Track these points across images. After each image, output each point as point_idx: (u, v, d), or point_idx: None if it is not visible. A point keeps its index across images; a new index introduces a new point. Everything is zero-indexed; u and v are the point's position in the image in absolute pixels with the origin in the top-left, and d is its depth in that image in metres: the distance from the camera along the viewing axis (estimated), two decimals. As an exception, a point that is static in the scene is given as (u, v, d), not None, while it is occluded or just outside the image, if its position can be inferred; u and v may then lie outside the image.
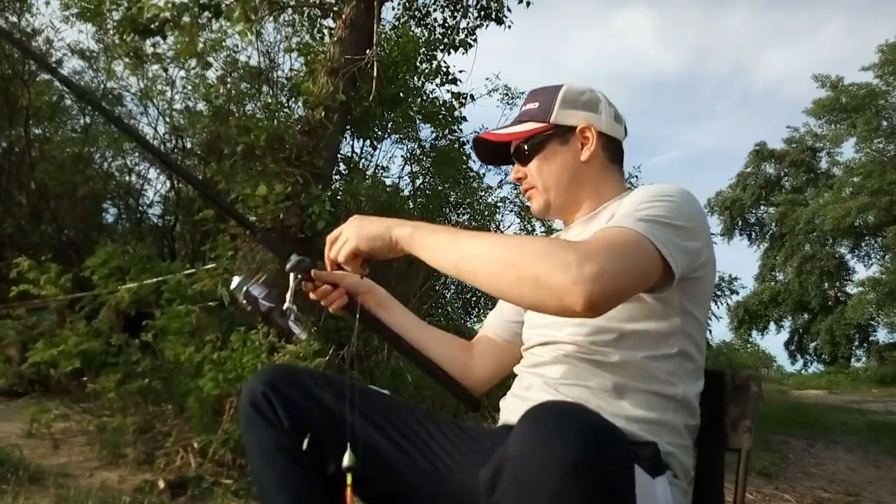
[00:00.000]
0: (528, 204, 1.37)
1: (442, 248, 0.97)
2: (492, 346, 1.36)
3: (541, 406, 0.73)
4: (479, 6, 6.54)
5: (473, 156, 1.46)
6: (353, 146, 6.76)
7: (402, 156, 7.21)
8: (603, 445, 0.68)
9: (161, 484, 2.72)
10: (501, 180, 7.75)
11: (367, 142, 6.68)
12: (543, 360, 1.12)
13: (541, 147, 1.22)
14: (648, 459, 0.92)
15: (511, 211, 7.68)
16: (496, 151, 1.30)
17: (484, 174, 7.38)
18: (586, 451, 0.66)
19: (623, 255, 0.89)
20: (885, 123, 22.11)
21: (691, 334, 1.06)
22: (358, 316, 1.21)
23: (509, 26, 6.53)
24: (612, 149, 1.24)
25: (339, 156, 5.79)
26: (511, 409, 1.15)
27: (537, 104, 1.24)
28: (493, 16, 6.50)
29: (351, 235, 1.05)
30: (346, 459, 0.96)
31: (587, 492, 0.65)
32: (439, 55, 6.61)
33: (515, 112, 1.33)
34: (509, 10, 6.47)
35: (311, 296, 1.25)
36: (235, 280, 1.21)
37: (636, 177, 8.24)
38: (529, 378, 1.14)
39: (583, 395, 1.03)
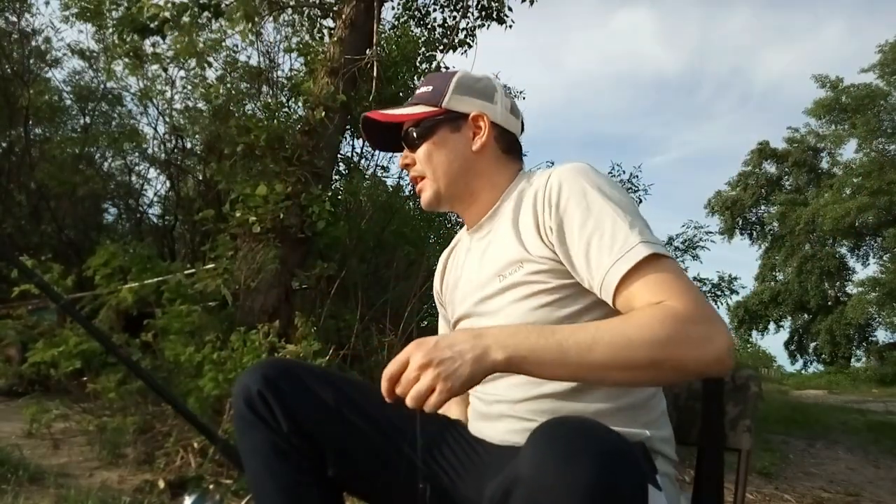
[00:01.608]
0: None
1: (552, 365, 0.83)
2: None
3: (553, 424, 0.71)
4: (479, 6, 6.53)
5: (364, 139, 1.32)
6: (353, 146, 6.77)
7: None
8: (619, 467, 0.66)
9: (161, 484, 2.72)
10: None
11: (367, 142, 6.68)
12: (492, 377, 1.06)
13: (431, 132, 1.15)
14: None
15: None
16: (388, 136, 1.21)
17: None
18: (602, 473, 0.64)
19: (700, 298, 0.90)
20: (885, 124, 22.13)
21: None
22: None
23: (510, 26, 6.53)
24: (506, 140, 1.18)
25: (339, 156, 5.80)
26: (483, 433, 1.09)
27: (431, 88, 1.18)
28: (494, 15, 6.50)
29: (439, 386, 0.80)
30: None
31: None
32: (439, 55, 6.61)
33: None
34: (510, 9, 6.47)
35: None
36: (188, 500, 1.16)
37: (637, 176, 8.25)
38: (485, 397, 1.09)
39: (546, 406, 0.99)
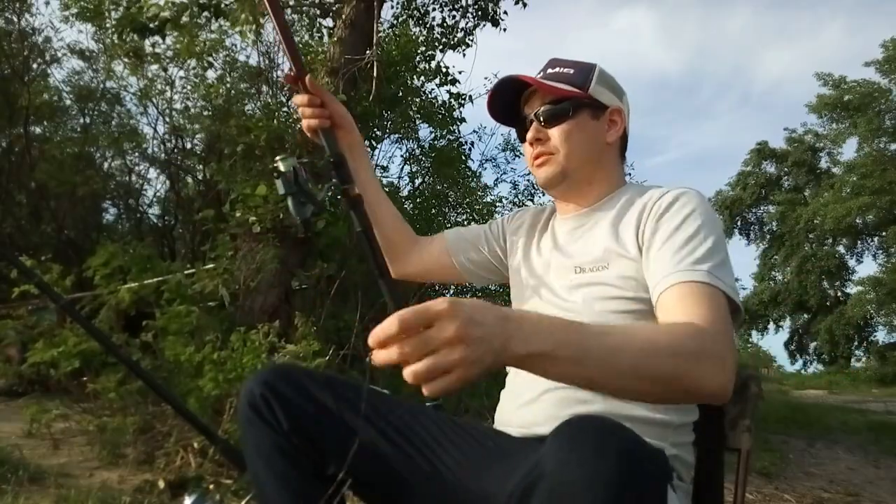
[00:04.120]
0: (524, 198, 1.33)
1: (569, 364, 0.76)
2: (437, 253, 1.36)
3: (577, 422, 0.71)
4: (476, 6, 6.55)
5: (486, 108, 1.24)
6: (352, 146, 6.77)
7: (402, 156, 7.23)
8: (642, 465, 0.67)
9: (161, 484, 2.72)
10: (498, 178, 7.78)
11: (367, 142, 6.70)
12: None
13: (575, 113, 1.15)
14: None
15: (509, 210, 7.73)
16: (512, 106, 1.21)
17: (481, 174, 7.40)
18: (626, 470, 0.65)
19: (731, 334, 0.91)
20: (887, 122, 22.14)
21: None
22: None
23: (504, 29, 6.57)
24: (624, 142, 1.22)
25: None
26: (510, 417, 1.12)
27: (572, 71, 1.18)
28: (490, 17, 6.52)
29: (459, 372, 0.68)
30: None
31: None
32: (438, 55, 6.63)
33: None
34: (506, 13, 6.51)
35: (297, 99, 1.18)
36: (188, 500, 1.23)
37: (629, 174, 8.28)
38: (529, 377, 1.10)
39: (588, 396, 1.01)
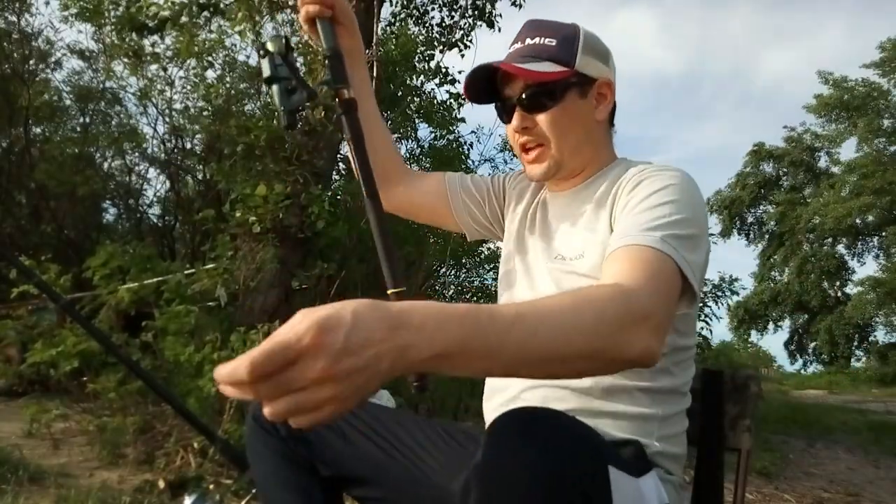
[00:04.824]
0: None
1: (484, 360, 0.65)
2: (430, 188, 1.26)
3: (509, 413, 0.70)
4: (473, 5, 6.56)
5: (463, 90, 1.12)
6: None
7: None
8: (572, 452, 0.65)
9: (161, 484, 2.72)
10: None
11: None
12: None
13: (562, 96, 1.03)
14: (630, 459, 0.90)
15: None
16: (488, 86, 1.09)
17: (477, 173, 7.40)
18: (555, 460, 0.63)
19: (668, 298, 0.82)
20: (886, 123, 22.14)
21: (679, 329, 1.01)
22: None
23: (499, 29, 6.59)
24: (613, 110, 1.12)
25: (339, 155, 5.79)
26: (497, 416, 1.12)
27: (555, 42, 1.04)
28: (486, 18, 6.54)
29: (330, 408, 0.57)
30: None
31: (556, 500, 0.62)
32: (437, 55, 6.64)
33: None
34: (500, 15, 6.52)
35: None
36: (188, 500, 1.29)
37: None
38: (508, 379, 1.07)
39: (565, 395, 0.98)
